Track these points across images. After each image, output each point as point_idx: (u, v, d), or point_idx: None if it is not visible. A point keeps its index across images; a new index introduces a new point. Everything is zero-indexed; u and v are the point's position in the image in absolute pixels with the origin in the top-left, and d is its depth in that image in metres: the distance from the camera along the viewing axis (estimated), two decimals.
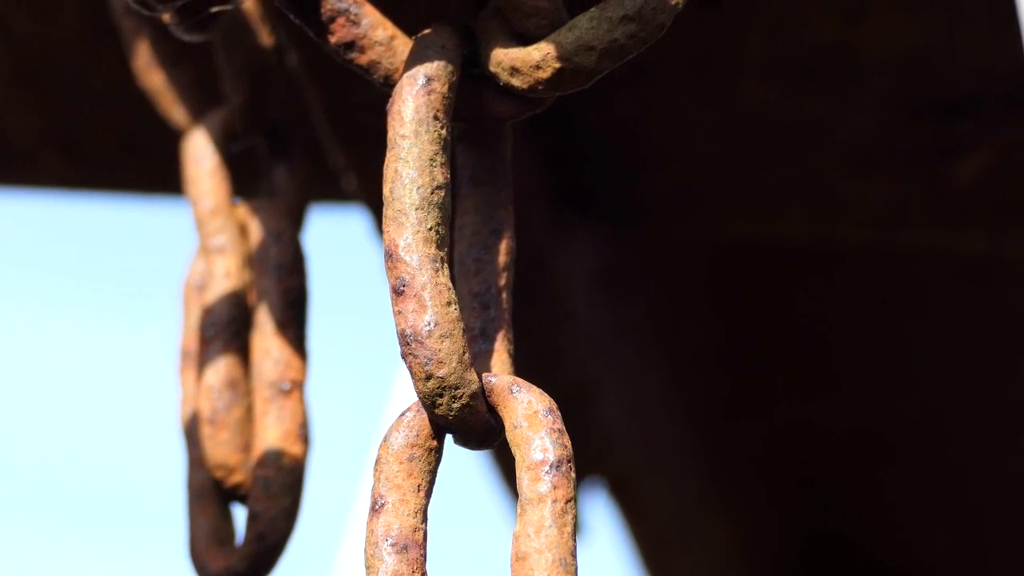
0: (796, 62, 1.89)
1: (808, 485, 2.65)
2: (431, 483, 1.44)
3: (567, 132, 1.93)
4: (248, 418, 1.65)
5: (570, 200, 2.02)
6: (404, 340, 1.43)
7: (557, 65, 1.48)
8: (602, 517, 2.40)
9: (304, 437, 1.64)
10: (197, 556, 1.63)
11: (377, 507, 1.42)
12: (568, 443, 1.42)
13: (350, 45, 1.51)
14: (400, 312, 1.43)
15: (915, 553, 2.80)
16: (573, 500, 1.41)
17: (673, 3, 1.47)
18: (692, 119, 1.95)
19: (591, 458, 1.81)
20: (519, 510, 1.41)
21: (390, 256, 1.44)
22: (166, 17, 1.52)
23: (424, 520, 1.43)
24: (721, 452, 2.54)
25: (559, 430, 1.42)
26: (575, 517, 1.40)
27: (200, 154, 1.70)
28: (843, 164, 1.98)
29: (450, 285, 1.44)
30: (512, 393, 1.44)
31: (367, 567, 1.41)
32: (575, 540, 1.40)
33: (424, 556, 1.42)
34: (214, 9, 1.52)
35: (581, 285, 2.09)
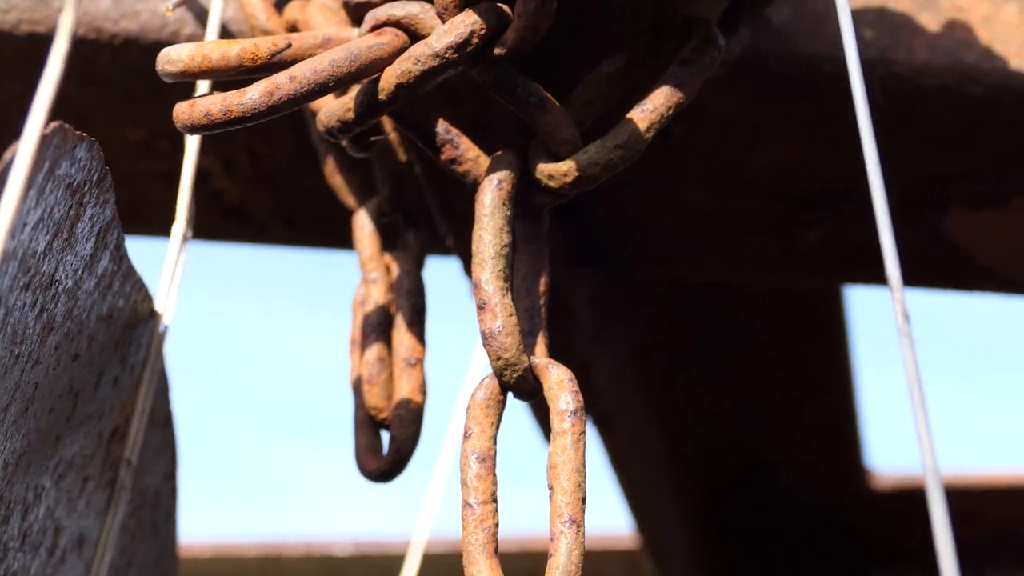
0: (717, 174, 1.86)
1: (713, 419, 2.60)
2: (499, 421, 1.38)
3: (578, 215, 1.89)
4: (390, 380, 1.61)
5: (578, 256, 1.99)
6: (484, 336, 1.38)
7: (576, 174, 1.42)
8: (591, 440, 2.37)
9: (423, 391, 1.60)
10: (360, 460, 1.59)
11: (467, 435, 1.37)
12: (581, 399, 1.36)
13: (453, 160, 1.46)
14: (482, 320, 1.38)
15: (782, 462, 2.76)
16: (584, 432, 1.36)
17: (646, 137, 1.42)
18: (656, 209, 1.92)
19: (588, 407, 1.75)
20: (552, 439, 1.36)
21: (476, 286, 1.39)
22: (344, 142, 1.48)
23: (495, 443, 1.37)
24: (663, 401, 2.50)
25: (576, 391, 1.36)
26: (585, 443, 1.35)
27: (363, 224, 1.66)
28: (743, 232, 1.93)
29: (512, 304, 1.38)
30: (548, 369, 1.38)
31: (461, 469, 1.36)
32: (585, 456, 1.35)
33: (495, 464, 1.36)
34: (372, 138, 1.49)
35: (584, 307, 2.05)
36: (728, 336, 2.39)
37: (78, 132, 1.28)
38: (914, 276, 1.93)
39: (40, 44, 1.77)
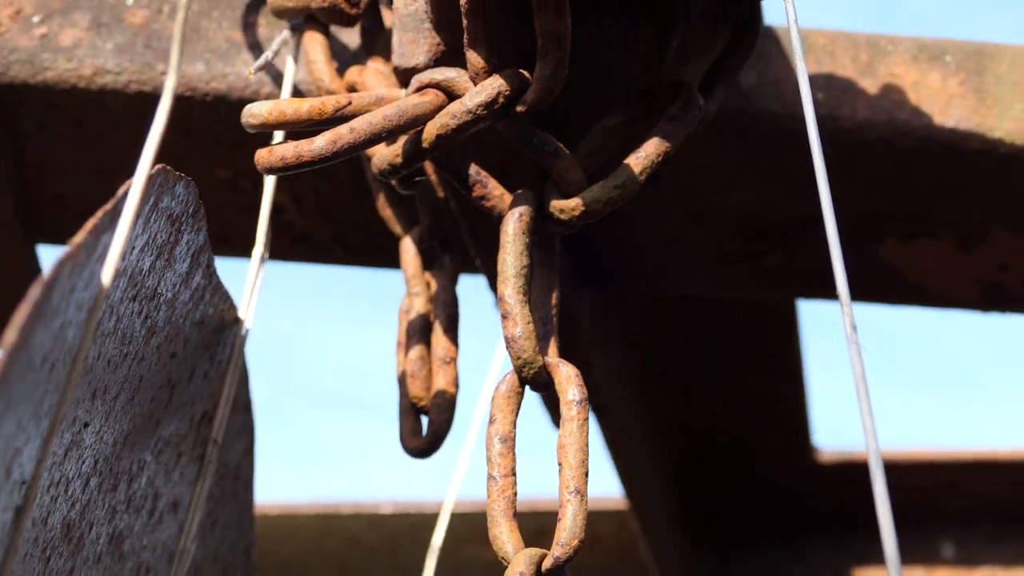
0: (695, 210, 1.85)
1: (688, 408, 2.58)
2: (518, 409, 1.36)
3: (583, 242, 1.88)
4: (429, 375, 1.58)
5: (583, 276, 1.98)
6: (507, 340, 1.36)
7: (583, 209, 1.40)
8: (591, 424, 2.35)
9: (456, 384, 1.58)
10: (403, 440, 1.57)
11: (492, 420, 1.34)
12: (585, 391, 1.34)
13: (482, 197, 1.44)
14: (505, 327, 1.36)
15: (743, 442, 2.73)
16: (587, 419, 1.34)
17: (640, 180, 1.41)
18: (645, 239, 1.91)
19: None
20: (561, 424, 1.34)
21: (500, 300, 1.37)
22: (393, 182, 1.46)
23: (515, 427, 1.35)
24: (649, 393, 2.48)
25: (581, 385, 1.34)
26: (588, 427, 1.34)
27: (407, 248, 1.64)
28: (716, 257, 1.92)
29: (529, 314, 1.37)
30: (558, 367, 1.36)
31: (487, 448, 1.33)
32: (588, 438, 1.33)
33: (514, 444, 1.34)
34: (416, 179, 1.47)
35: (586, 316, 2.04)
36: (703, 341, 2.37)
37: (177, 172, 1.27)
38: (857, 294, 1.91)
39: (146, 100, 1.76)
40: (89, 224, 1.07)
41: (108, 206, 1.10)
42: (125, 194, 1.11)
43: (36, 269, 1.96)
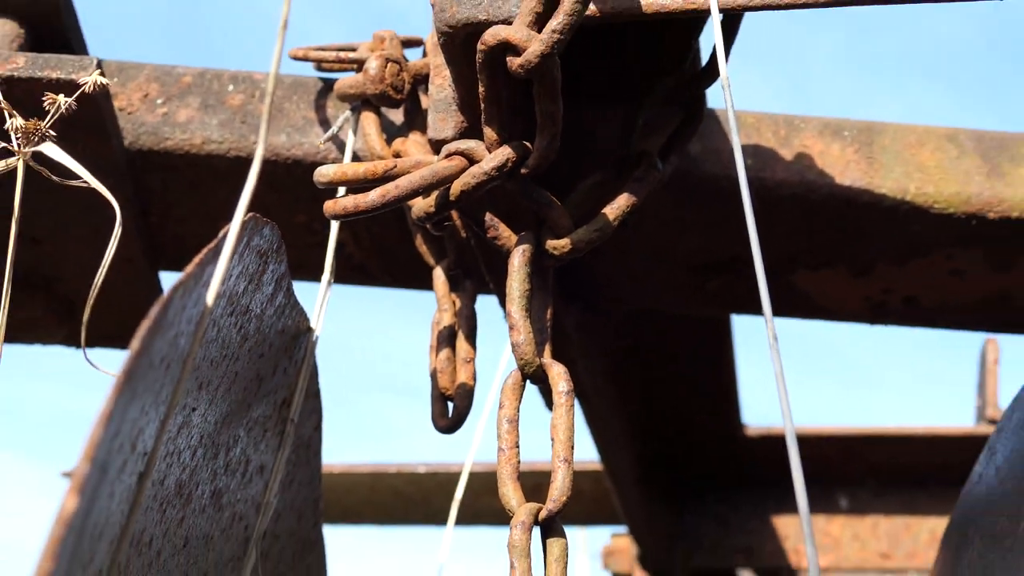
0: (654, 249, 1.82)
1: (648, 396, 2.55)
2: (521, 397, 1.34)
3: (570, 272, 1.87)
4: (454, 371, 1.56)
5: (569, 296, 1.96)
6: (512, 346, 1.34)
7: (571, 247, 1.39)
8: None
9: (474, 378, 1.56)
10: (434, 420, 1.54)
11: (501, 406, 1.32)
12: (572, 384, 1.32)
13: (495, 237, 1.43)
14: (511, 335, 1.34)
15: (690, 421, 2.70)
16: (573, 405, 1.31)
17: (614, 225, 1.39)
18: (616, 270, 1.89)
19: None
20: (553, 408, 1.32)
21: (508, 315, 1.35)
22: (428, 226, 1.44)
23: (518, 411, 1.33)
24: (619, 384, 2.45)
25: (569, 379, 1.32)
26: (574, 411, 1.31)
27: (438, 275, 1.63)
28: (670, 284, 1.90)
29: (530, 326, 1.34)
30: (552, 366, 1.33)
31: (497, 427, 1.31)
32: (574, 419, 1.31)
33: (518, 424, 1.31)
34: (445, 223, 1.45)
35: (572, 327, 2.01)
36: (660, 345, 2.35)
37: (265, 219, 1.26)
38: (777, 311, 1.90)
39: (242, 163, 1.75)
40: (197, 258, 1.06)
41: (212, 244, 1.09)
42: (224, 236, 1.10)
43: (159, 291, 1.95)
